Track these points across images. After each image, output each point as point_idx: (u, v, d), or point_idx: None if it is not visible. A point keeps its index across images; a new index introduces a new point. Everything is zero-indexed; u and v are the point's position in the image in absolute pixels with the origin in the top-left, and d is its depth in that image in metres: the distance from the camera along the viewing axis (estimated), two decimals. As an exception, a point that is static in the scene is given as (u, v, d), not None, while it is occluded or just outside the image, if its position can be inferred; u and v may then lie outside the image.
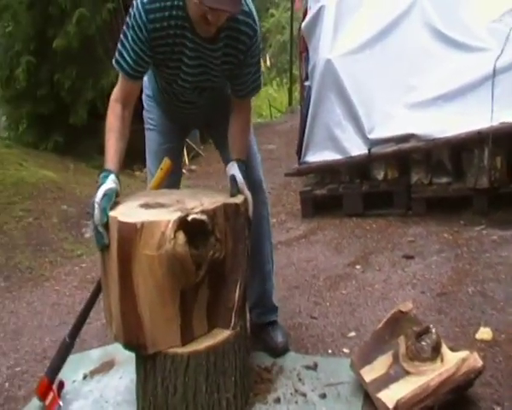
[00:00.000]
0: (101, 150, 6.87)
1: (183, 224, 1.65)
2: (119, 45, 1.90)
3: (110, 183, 1.80)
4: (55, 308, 3.21)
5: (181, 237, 1.64)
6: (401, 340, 1.95)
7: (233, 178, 1.97)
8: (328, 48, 4.16)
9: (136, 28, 1.80)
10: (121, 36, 1.89)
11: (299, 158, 4.38)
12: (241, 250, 1.85)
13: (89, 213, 4.68)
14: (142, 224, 1.67)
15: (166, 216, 1.68)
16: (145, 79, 2.24)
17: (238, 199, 1.88)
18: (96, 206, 1.73)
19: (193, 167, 6.96)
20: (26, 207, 4.74)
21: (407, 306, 2.06)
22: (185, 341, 1.79)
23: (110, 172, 1.84)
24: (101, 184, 1.80)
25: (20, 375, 2.50)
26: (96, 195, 1.76)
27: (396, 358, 1.93)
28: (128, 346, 1.86)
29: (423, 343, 1.89)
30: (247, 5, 1.91)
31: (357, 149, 3.93)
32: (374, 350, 2.01)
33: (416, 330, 1.94)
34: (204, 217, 1.69)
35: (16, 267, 3.90)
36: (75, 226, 4.54)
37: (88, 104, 7.35)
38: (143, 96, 2.32)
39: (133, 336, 1.80)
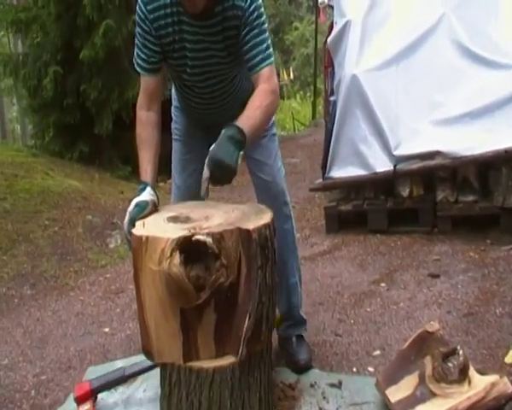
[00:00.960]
0: (124, 161, 6.97)
1: (183, 244, 1.63)
2: (135, 47, 1.99)
3: (144, 195, 1.87)
4: (79, 318, 3.25)
5: (177, 257, 1.63)
6: (427, 360, 1.92)
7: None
8: (354, 63, 4.16)
9: (140, 23, 1.91)
10: (135, 38, 1.98)
11: (324, 173, 4.37)
12: (254, 279, 1.76)
13: (113, 223, 4.80)
14: (147, 238, 1.69)
15: (172, 233, 1.67)
16: (172, 91, 2.30)
17: (251, 225, 1.76)
18: (127, 215, 1.82)
19: (216, 179, 6.97)
20: (51, 216, 4.82)
21: (434, 326, 2.03)
22: (187, 359, 1.77)
23: (146, 184, 1.91)
24: (137, 196, 1.88)
25: (46, 383, 2.53)
26: (130, 205, 1.84)
27: (422, 379, 1.91)
28: (143, 350, 1.89)
29: (450, 365, 1.86)
30: None
31: (383, 165, 3.91)
32: (399, 370, 1.99)
33: (442, 351, 1.91)
34: (209, 239, 1.64)
35: (42, 276, 3.95)
36: (100, 236, 4.60)
37: (113, 115, 7.45)
38: (171, 108, 2.36)
39: (144, 341, 1.85)
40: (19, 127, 22.20)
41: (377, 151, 3.99)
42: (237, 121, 1.76)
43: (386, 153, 3.93)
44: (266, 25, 1.95)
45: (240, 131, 1.72)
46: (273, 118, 2.26)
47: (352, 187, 4.29)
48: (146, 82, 1.99)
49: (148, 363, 2.07)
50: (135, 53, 1.98)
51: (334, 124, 4.31)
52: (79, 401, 2.07)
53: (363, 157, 4.04)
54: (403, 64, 4.04)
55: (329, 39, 4.77)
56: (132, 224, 1.79)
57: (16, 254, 4.15)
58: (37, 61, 7.71)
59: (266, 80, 1.90)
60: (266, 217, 1.87)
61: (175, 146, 2.36)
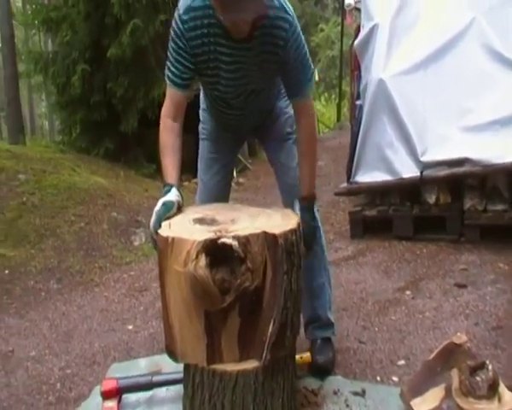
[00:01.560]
0: (149, 159, 7.03)
1: (209, 246, 1.63)
2: (167, 60, 1.99)
3: (170, 195, 1.88)
4: (104, 314, 3.29)
5: (202, 259, 1.63)
6: (454, 373, 1.89)
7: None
8: (381, 67, 4.13)
9: (176, 39, 1.92)
10: (168, 51, 1.98)
11: (349, 177, 4.34)
12: (279, 284, 1.75)
13: (138, 221, 4.85)
14: (173, 239, 1.69)
15: (198, 235, 1.68)
16: (201, 95, 2.33)
17: (278, 230, 1.75)
18: (154, 215, 1.82)
19: (240, 180, 7.01)
20: (78, 212, 4.89)
21: (461, 338, 2.00)
22: (210, 362, 1.77)
23: (171, 186, 1.92)
24: (163, 196, 1.89)
25: (71, 377, 2.57)
26: (156, 205, 1.85)
27: (449, 392, 1.87)
28: (166, 350, 1.90)
29: (478, 379, 1.83)
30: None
31: (409, 171, 3.87)
32: (425, 381, 1.96)
33: (470, 364, 1.88)
34: (234, 242, 1.63)
35: (68, 271, 4.02)
36: (124, 234, 4.65)
37: (139, 113, 7.53)
38: (200, 111, 2.39)
39: (168, 341, 1.86)
40: (47, 123, 22.59)
41: (403, 157, 3.95)
42: (303, 190, 2.09)
43: (413, 159, 3.88)
44: (306, 46, 1.98)
45: (310, 197, 2.10)
46: None
47: (378, 192, 4.25)
48: (175, 94, 2.00)
49: (176, 375, 2.11)
50: (167, 66, 1.98)
51: (360, 128, 4.29)
52: (106, 396, 2.10)
53: (389, 162, 4.01)
54: (431, 69, 3.99)
55: (356, 42, 4.74)
56: (159, 223, 1.81)
57: (44, 249, 4.23)
58: (66, 59, 7.83)
59: (307, 111, 2.05)
60: (293, 222, 1.87)
61: (202, 145, 2.39)
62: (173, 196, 1.89)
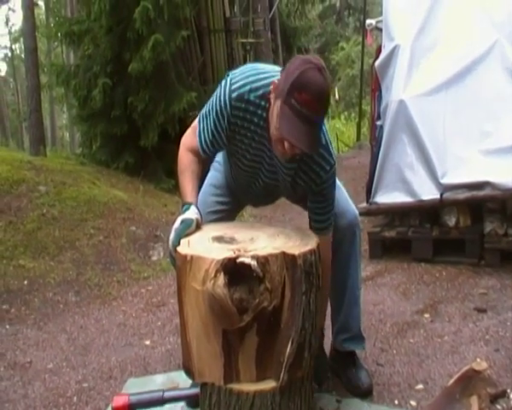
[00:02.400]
0: (168, 173, 7.03)
1: (228, 265, 1.64)
2: (200, 118, 1.98)
3: (189, 213, 1.90)
4: (121, 329, 3.30)
5: (221, 278, 1.63)
6: (473, 400, 1.87)
7: None
8: (402, 88, 4.12)
9: (218, 114, 1.88)
10: (205, 111, 1.95)
11: (368, 198, 4.34)
12: (297, 305, 1.75)
13: (156, 236, 4.87)
14: (192, 257, 1.71)
15: (217, 254, 1.68)
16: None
17: (297, 250, 1.75)
18: (173, 232, 1.85)
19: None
20: (97, 225, 4.92)
21: (481, 365, 1.98)
22: (227, 381, 1.77)
23: (190, 204, 1.94)
24: (181, 213, 1.91)
25: (88, 391, 2.57)
26: (176, 222, 1.87)
27: (468, 419, 1.86)
28: (183, 368, 1.91)
29: (499, 408, 1.82)
30: (325, 137, 1.89)
31: (429, 193, 3.85)
32: (444, 408, 1.95)
33: (490, 392, 1.86)
34: (253, 262, 1.64)
35: (86, 283, 4.04)
36: (143, 248, 4.67)
37: (159, 127, 7.58)
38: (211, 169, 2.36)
39: (185, 359, 1.87)
40: (68, 135, 22.91)
41: (423, 178, 3.93)
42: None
43: (433, 181, 3.87)
44: (335, 190, 2.02)
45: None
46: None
47: (397, 213, 4.24)
48: (199, 153, 2.01)
49: (188, 391, 2.11)
50: (202, 124, 1.96)
51: (380, 148, 4.28)
52: None
53: (409, 184, 3.99)
54: (452, 90, 3.97)
55: (377, 63, 4.75)
56: (178, 240, 1.82)
57: (63, 261, 4.27)
58: (88, 73, 7.93)
59: (327, 245, 2.04)
60: (312, 242, 1.87)
61: (211, 176, 2.34)
62: (192, 213, 1.90)
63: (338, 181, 2.14)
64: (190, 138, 2.02)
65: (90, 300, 3.82)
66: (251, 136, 1.90)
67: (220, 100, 1.87)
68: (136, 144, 7.73)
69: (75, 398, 2.52)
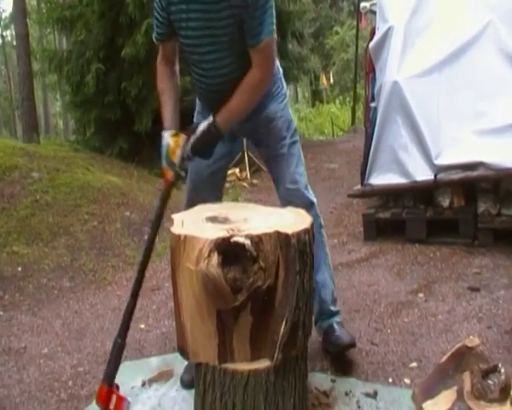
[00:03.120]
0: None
1: (221, 245, 1.64)
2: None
3: (163, 140, 2.13)
4: (116, 313, 3.30)
5: (215, 258, 1.63)
6: (466, 376, 1.88)
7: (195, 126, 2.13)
8: (396, 69, 4.11)
9: (156, 2, 2.15)
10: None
11: (363, 180, 4.33)
12: (291, 284, 1.75)
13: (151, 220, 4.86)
14: (185, 237, 1.70)
15: (210, 233, 1.68)
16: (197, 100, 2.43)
17: (290, 229, 1.75)
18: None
19: (254, 181, 7.01)
20: (91, 210, 4.91)
21: (474, 341, 1.98)
22: (222, 360, 1.78)
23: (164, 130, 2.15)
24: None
25: (83, 375, 2.58)
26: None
27: (460, 394, 1.86)
28: (178, 349, 1.91)
29: (490, 382, 1.82)
30: None
31: (423, 174, 3.85)
32: (437, 384, 1.95)
33: (482, 367, 1.87)
34: (247, 241, 1.64)
35: (81, 269, 4.04)
36: (137, 233, 4.67)
37: (153, 112, 7.54)
38: (195, 114, 2.44)
39: (180, 340, 1.87)
40: (61, 122, 22.78)
41: (417, 159, 3.93)
42: (219, 112, 2.06)
43: (427, 161, 3.87)
44: (271, 5, 2.01)
45: (217, 123, 2.07)
46: (293, 125, 2.38)
47: (391, 195, 4.24)
48: (161, 48, 2.26)
49: None
50: (153, 24, 2.24)
51: (374, 130, 4.27)
52: (105, 404, 2.01)
53: (403, 165, 3.99)
54: (446, 71, 3.96)
55: (371, 45, 4.73)
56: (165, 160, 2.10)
57: (57, 247, 4.26)
58: (81, 58, 7.87)
59: (259, 63, 2.04)
60: (306, 222, 1.87)
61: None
62: (165, 140, 2.11)
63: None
64: (158, 56, 2.28)
65: (84, 285, 3.82)
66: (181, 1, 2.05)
67: None
68: (129, 130, 7.70)
69: (70, 382, 2.53)
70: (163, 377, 2.45)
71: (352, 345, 2.33)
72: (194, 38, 2.11)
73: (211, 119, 2.07)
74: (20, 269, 3.92)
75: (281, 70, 2.39)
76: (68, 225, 4.60)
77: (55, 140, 12.00)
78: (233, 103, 2.07)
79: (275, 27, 2.05)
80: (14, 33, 9.68)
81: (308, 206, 2.27)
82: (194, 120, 2.42)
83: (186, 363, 2.27)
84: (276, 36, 2.09)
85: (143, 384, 2.40)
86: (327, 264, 2.43)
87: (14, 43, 10.22)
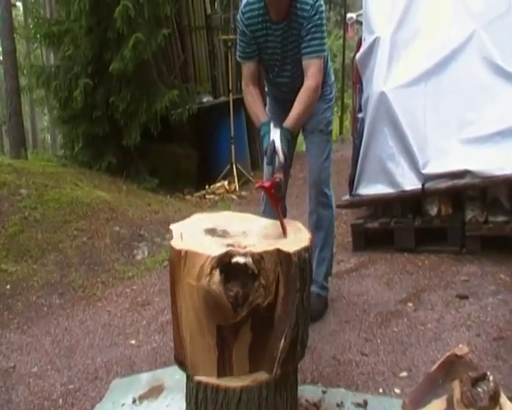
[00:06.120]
0: (151, 173, 6.99)
1: (223, 262, 1.65)
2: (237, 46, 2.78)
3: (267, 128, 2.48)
4: (106, 329, 3.28)
5: (216, 275, 1.64)
6: (456, 385, 1.89)
7: (272, 144, 2.36)
8: (383, 80, 4.14)
9: (239, 25, 2.70)
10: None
11: (351, 190, 4.35)
12: (291, 301, 1.77)
13: (140, 235, 4.85)
14: (186, 252, 1.71)
15: (211, 249, 1.69)
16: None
17: (291, 247, 1.79)
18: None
19: (243, 193, 7.00)
20: (80, 226, 4.87)
21: (463, 349, 1.99)
22: (221, 374, 1.79)
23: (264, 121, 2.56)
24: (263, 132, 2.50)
25: (73, 393, 2.57)
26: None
27: (450, 403, 1.87)
28: (176, 361, 1.92)
29: (480, 390, 1.82)
30: None
31: (411, 183, 3.87)
32: (427, 393, 1.96)
33: (471, 375, 1.88)
34: (248, 260, 1.66)
35: (70, 285, 4.01)
36: (127, 248, 4.64)
37: (141, 127, 7.53)
38: (267, 103, 3.03)
39: (178, 352, 1.88)
40: (49, 137, 22.66)
41: (405, 169, 3.95)
42: (286, 122, 2.50)
43: (415, 171, 3.89)
44: (324, 22, 2.65)
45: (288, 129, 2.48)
46: (330, 127, 3.03)
47: (380, 205, 4.25)
48: (246, 67, 2.75)
49: None
50: (237, 50, 2.77)
51: (361, 141, 4.30)
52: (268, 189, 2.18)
53: (391, 175, 4.01)
54: (432, 81, 4.00)
55: (358, 56, 4.77)
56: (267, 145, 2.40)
57: (46, 263, 4.22)
58: (68, 74, 7.83)
59: (312, 74, 2.58)
60: (305, 238, 1.89)
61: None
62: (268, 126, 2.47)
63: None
64: (243, 77, 2.79)
65: (74, 301, 3.79)
66: (261, 21, 2.63)
67: (237, 18, 2.74)
68: (118, 144, 7.66)
69: (60, 400, 2.52)
70: (154, 392, 2.45)
71: (313, 320, 2.60)
72: (274, 54, 2.72)
73: (284, 126, 2.47)
74: (8, 287, 3.89)
75: (332, 78, 3.02)
76: (57, 241, 4.56)
77: (42, 155, 11.93)
78: (297, 111, 2.54)
79: (327, 41, 2.71)
80: (0, 49, 9.64)
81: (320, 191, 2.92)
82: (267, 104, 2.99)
83: (176, 377, 2.27)
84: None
85: (134, 401, 2.40)
86: (330, 247, 3.08)
87: (1, 58, 10.17)
